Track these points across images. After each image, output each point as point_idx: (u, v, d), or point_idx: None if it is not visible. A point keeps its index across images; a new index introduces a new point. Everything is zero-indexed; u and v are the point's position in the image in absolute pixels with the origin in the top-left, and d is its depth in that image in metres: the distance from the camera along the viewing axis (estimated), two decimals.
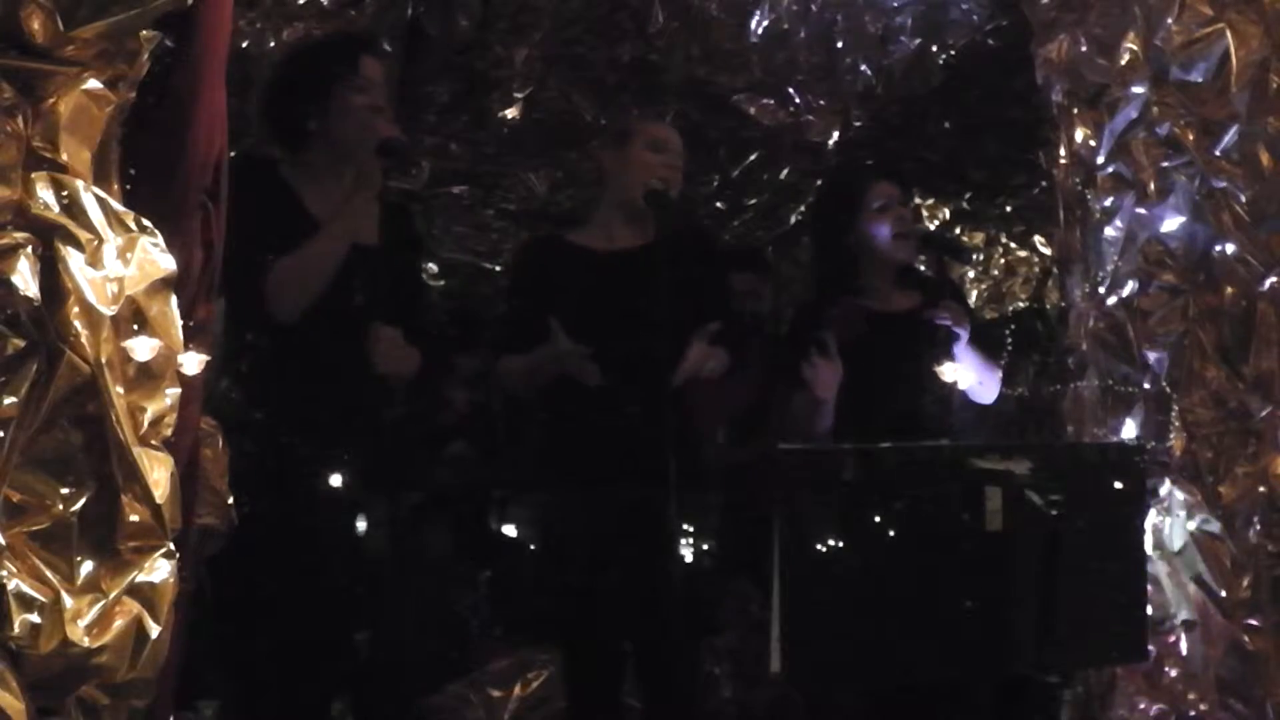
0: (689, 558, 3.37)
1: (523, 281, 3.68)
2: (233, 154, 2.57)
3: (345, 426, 3.12)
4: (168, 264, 2.18)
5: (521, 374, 3.53)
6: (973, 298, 5.79)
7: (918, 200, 5.50)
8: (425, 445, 3.23)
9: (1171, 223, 3.36)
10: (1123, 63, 3.43)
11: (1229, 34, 3.22)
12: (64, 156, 2.09)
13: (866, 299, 3.75)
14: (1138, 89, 3.41)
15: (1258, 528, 3.20)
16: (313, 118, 3.25)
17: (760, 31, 4.59)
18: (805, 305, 3.91)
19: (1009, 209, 5.06)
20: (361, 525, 3.10)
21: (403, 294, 3.29)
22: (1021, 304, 5.59)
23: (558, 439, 3.56)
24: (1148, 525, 3.14)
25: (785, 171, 5.12)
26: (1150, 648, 3.12)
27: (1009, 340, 5.62)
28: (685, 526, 3.37)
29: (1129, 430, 3.43)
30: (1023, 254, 5.33)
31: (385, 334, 3.08)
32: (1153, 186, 3.39)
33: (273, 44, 4.24)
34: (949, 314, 3.63)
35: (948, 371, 3.55)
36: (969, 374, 3.65)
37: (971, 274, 5.71)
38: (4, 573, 1.93)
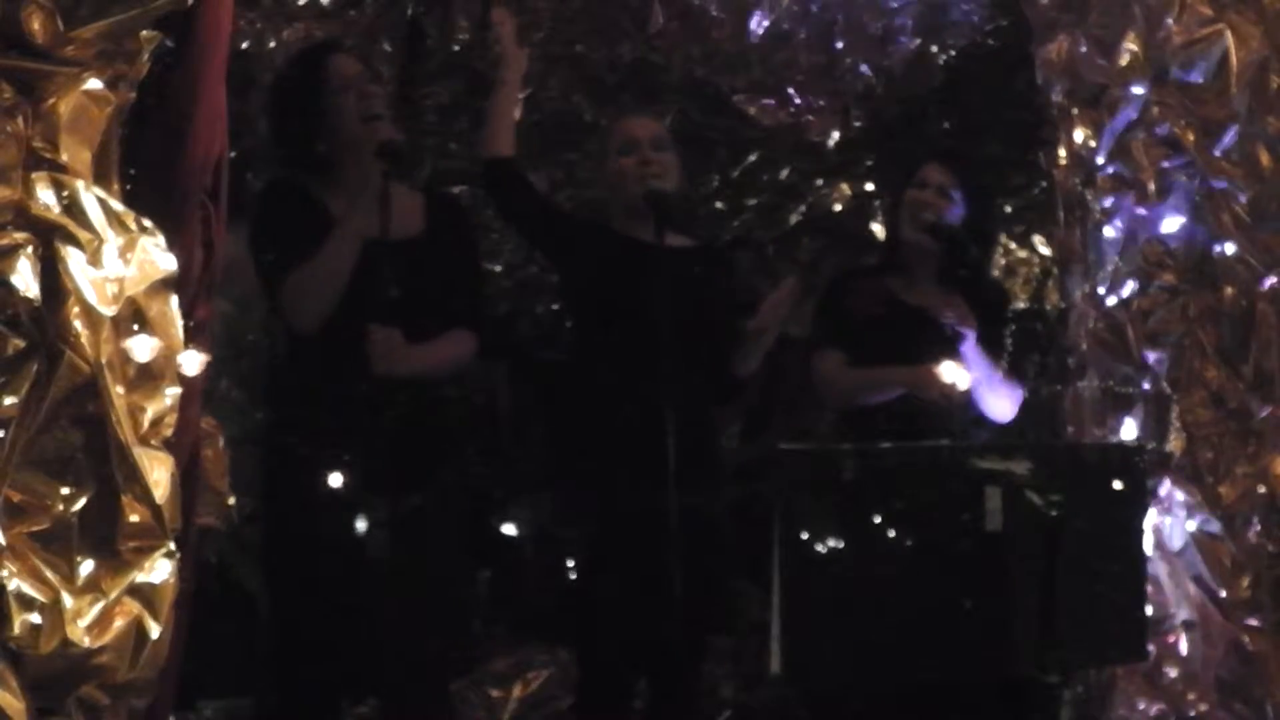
0: (690, 558, 3.34)
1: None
2: (233, 154, 2.57)
3: (345, 427, 3.12)
4: (168, 264, 2.18)
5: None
6: None
7: None
8: (427, 445, 3.20)
9: (1171, 223, 3.36)
10: (1123, 63, 3.43)
11: (1229, 34, 3.23)
12: (64, 156, 2.09)
13: (900, 285, 3.66)
14: (1138, 89, 3.41)
15: (1258, 528, 3.21)
16: (314, 138, 3.23)
17: (760, 31, 4.59)
18: (836, 278, 3.85)
19: (1009, 209, 5.04)
20: (361, 525, 3.09)
21: (459, 287, 3.30)
22: (1021, 304, 5.58)
23: (561, 438, 3.56)
24: (1148, 525, 3.14)
25: (785, 171, 5.11)
26: (1150, 648, 3.12)
27: (1009, 340, 5.60)
28: (687, 527, 3.35)
29: (1129, 430, 3.43)
30: (1023, 254, 5.31)
31: (383, 334, 3.08)
32: (1153, 186, 3.39)
33: (273, 44, 4.24)
34: (953, 313, 3.52)
35: (945, 371, 3.48)
36: (966, 376, 3.56)
37: None
38: (4, 573, 1.94)
